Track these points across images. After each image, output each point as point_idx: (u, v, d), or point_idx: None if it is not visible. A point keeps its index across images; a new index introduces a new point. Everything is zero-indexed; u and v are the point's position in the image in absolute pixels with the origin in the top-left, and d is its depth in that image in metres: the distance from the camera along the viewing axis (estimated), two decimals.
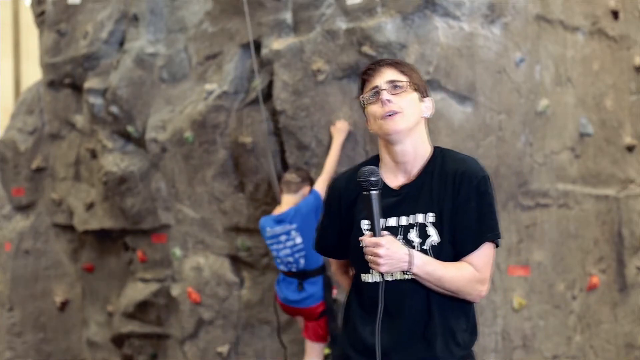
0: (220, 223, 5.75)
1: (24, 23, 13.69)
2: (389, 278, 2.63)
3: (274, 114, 5.40)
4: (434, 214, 2.65)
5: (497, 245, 2.73)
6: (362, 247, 2.62)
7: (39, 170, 6.90)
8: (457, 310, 2.69)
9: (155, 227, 6.03)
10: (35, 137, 6.92)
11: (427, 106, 2.77)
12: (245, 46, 5.59)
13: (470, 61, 4.95)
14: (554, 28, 5.46)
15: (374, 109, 2.71)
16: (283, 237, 4.90)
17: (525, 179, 5.30)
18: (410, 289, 2.64)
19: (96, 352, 6.64)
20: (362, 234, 2.68)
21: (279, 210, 5.03)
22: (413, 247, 2.62)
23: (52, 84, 6.69)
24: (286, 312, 5.12)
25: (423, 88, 2.77)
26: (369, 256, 2.56)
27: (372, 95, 2.71)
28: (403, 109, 2.68)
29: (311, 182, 5.02)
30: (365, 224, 2.71)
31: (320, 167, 5.15)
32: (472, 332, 2.74)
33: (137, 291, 6.21)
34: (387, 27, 4.91)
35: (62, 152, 6.73)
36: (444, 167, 2.70)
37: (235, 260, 5.78)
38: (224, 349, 5.76)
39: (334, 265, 3.00)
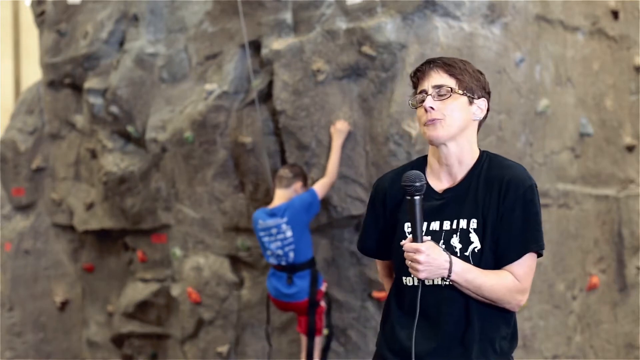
0: (220, 223, 5.75)
1: (24, 23, 13.69)
2: (428, 283, 2.61)
3: (274, 114, 5.40)
4: (477, 221, 2.62)
5: (539, 256, 2.68)
6: (403, 250, 2.60)
7: (39, 170, 6.90)
8: (497, 317, 2.65)
9: (155, 227, 6.03)
10: (35, 137, 6.92)
11: (478, 108, 2.70)
12: (245, 46, 5.59)
13: (470, 61, 4.93)
14: (554, 28, 5.46)
15: (419, 113, 2.68)
16: (274, 230, 4.95)
17: None
18: (449, 295, 2.61)
19: (96, 352, 6.64)
20: (405, 237, 2.66)
21: (272, 205, 5.07)
22: (454, 253, 2.60)
23: (52, 84, 6.69)
24: (278, 308, 5.16)
25: (477, 88, 2.69)
26: (409, 261, 2.55)
27: (419, 100, 2.68)
28: (446, 115, 2.63)
29: (304, 178, 5.06)
30: (408, 227, 2.68)
31: (320, 167, 5.15)
32: (512, 339, 2.71)
33: (137, 291, 6.21)
34: (387, 27, 4.91)
35: (62, 152, 6.73)
36: (490, 173, 2.66)
37: (235, 260, 5.78)
38: (224, 349, 5.75)
39: (379, 267, 2.96)
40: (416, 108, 2.70)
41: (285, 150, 5.36)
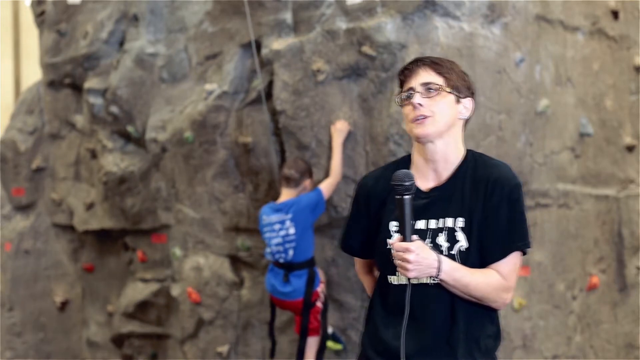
0: (220, 223, 5.75)
1: (24, 23, 13.70)
2: (415, 282, 2.62)
3: (274, 114, 5.40)
4: (464, 219, 2.64)
5: (524, 254, 2.71)
6: (389, 249, 2.61)
7: (39, 170, 6.90)
8: (482, 316, 2.67)
9: (155, 227, 6.03)
10: (35, 137, 6.92)
11: (465, 107, 2.72)
12: (245, 46, 5.59)
13: (470, 61, 4.95)
14: (554, 28, 5.46)
15: (406, 111, 2.69)
16: (277, 226, 4.95)
17: (525, 179, 5.30)
18: (436, 294, 2.62)
19: (96, 352, 6.64)
20: (390, 236, 2.67)
21: (279, 201, 5.07)
22: (441, 252, 2.61)
23: (52, 84, 6.69)
24: (275, 304, 5.15)
25: (463, 88, 2.72)
26: (398, 261, 2.55)
27: (406, 97, 2.70)
28: (434, 113, 2.65)
29: (310, 173, 5.06)
30: (393, 225, 2.69)
31: (320, 167, 5.15)
32: (497, 337, 2.72)
33: (137, 291, 6.21)
34: (387, 27, 4.91)
35: (62, 152, 6.73)
36: (477, 172, 2.67)
37: (235, 260, 5.78)
38: (224, 349, 5.76)
39: (357, 264, 2.96)
40: (402, 106, 2.72)
41: (285, 150, 5.36)
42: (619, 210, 5.95)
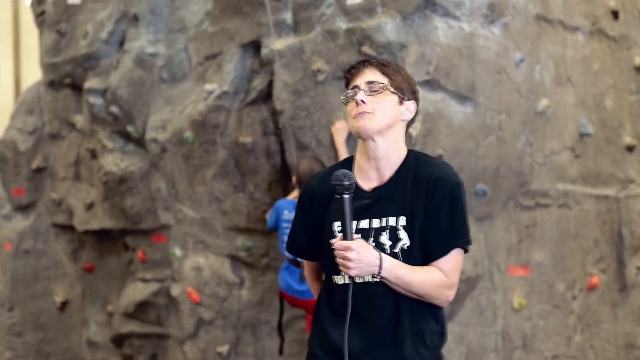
0: (220, 223, 5.75)
1: (24, 23, 13.70)
2: (358, 280, 2.66)
3: (274, 114, 5.41)
4: (406, 218, 2.68)
5: (466, 251, 2.75)
6: (333, 249, 2.65)
7: (39, 170, 6.90)
8: (426, 312, 2.71)
9: (155, 227, 6.03)
10: (35, 137, 6.92)
11: (407, 109, 2.76)
12: (245, 46, 5.59)
13: (470, 61, 4.95)
14: (554, 28, 5.46)
15: (350, 107, 2.75)
16: None
17: (525, 179, 5.30)
18: (380, 292, 2.66)
19: (96, 352, 6.64)
20: (334, 236, 2.71)
21: (293, 196, 5.05)
22: (384, 250, 2.65)
23: (52, 84, 6.69)
24: (288, 302, 5.14)
25: (407, 91, 2.76)
26: (339, 259, 2.59)
27: (350, 95, 2.74)
28: (375, 109, 2.70)
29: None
30: (337, 225, 2.73)
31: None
32: (441, 334, 2.76)
33: (137, 291, 6.21)
34: (387, 27, 4.91)
35: (62, 152, 6.73)
36: (418, 172, 2.72)
37: (235, 260, 5.79)
38: (224, 349, 5.76)
39: (307, 269, 3.00)
40: (347, 103, 2.76)
41: (285, 150, 5.36)
42: (619, 210, 5.95)
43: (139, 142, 6.08)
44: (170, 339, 6.09)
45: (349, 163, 2.83)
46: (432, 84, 4.90)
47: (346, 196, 2.58)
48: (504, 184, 5.19)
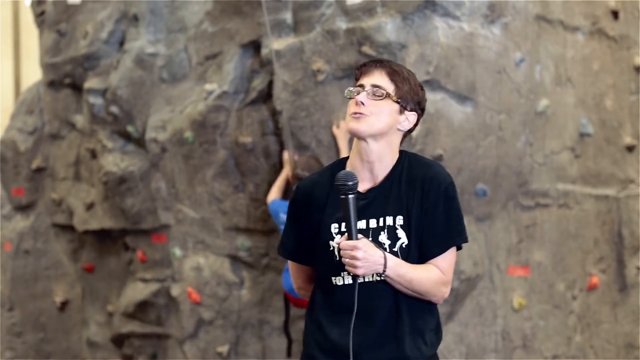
0: (220, 223, 5.75)
1: (24, 23, 13.68)
2: (360, 280, 2.68)
3: (274, 114, 5.41)
4: (403, 217, 2.71)
5: (459, 249, 2.80)
6: (332, 250, 2.69)
7: (39, 170, 6.90)
8: (424, 310, 2.75)
9: (155, 227, 6.03)
10: (35, 137, 6.92)
11: (406, 119, 2.76)
12: (245, 46, 5.59)
13: (470, 61, 4.95)
14: (554, 28, 5.46)
15: (350, 104, 2.76)
16: None
17: (525, 179, 5.30)
18: (381, 290, 2.69)
19: (96, 352, 6.64)
20: (332, 238, 2.73)
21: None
22: (384, 249, 2.68)
23: (52, 84, 6.69)
24: (292, 303, 5.14)
25: (411, 101, 2.75)
26: (346, 259, 2.61)
27: (354, 92, 2.75)
28: (372, 114, 2.70)
29: None
30: (335, 227, 2.74)
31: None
32: (438, 331, 2.80)
33: (137, 291, 6.21)
34: (387, 27, 4.91)
35: (62, 152, 6.73)
36: (412, 172, 2.75)
37: (235, 260, 5.78)
38: (224, 349, 5.76)
39: (296, 274, 2.96)
40: (350, 99, 2.77)
41: (285, 150, 5.36)
42: (619, 210, 5.95)
43: (139, 142, 6.08)
44: (170, 339, 6.08)
45: (342, 164, 2.84)
46: (432, 84, 4.90)
47: (350, 196, 2.60)
48: (504, 184, 5.19)
